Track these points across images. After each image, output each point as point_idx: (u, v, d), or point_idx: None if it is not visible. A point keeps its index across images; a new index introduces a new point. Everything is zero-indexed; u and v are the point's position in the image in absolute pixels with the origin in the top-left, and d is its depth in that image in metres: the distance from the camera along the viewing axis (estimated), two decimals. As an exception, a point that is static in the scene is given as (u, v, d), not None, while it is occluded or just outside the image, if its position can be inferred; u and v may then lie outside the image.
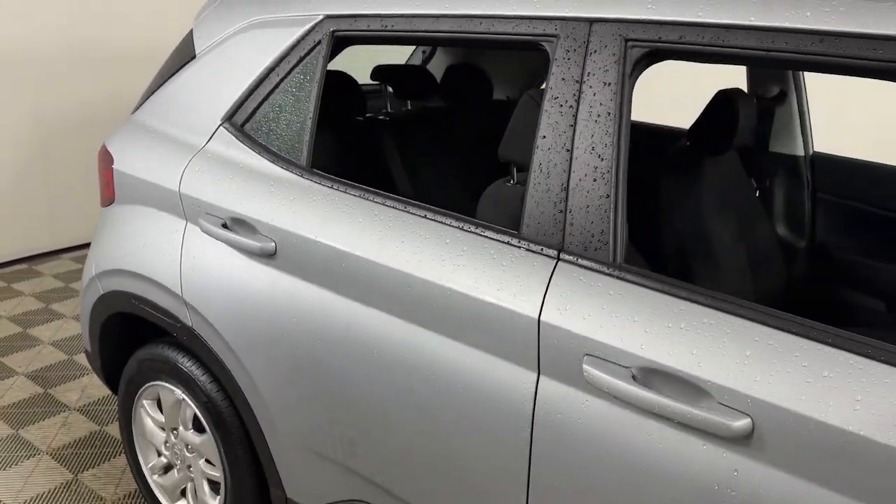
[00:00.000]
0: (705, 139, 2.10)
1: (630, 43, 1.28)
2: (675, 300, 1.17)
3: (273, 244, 1.64)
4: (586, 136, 1.30)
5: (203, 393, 1.90)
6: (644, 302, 1.19)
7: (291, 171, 1.70)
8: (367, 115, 2.41)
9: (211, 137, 1.86)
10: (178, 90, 2.00)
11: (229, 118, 1.84)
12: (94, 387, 3.04)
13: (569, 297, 1.26)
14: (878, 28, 1.07)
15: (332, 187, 1.63)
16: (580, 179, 1.30)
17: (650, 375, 1.16)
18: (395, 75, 2.45)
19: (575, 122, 1.32)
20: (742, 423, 1.06)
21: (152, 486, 2.21)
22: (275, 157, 1.73)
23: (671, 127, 2.60)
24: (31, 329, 3.53)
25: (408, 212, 1.51)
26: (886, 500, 0.97)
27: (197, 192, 1.81)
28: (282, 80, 1.75)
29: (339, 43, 1.72)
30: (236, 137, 1.81)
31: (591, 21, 1.32)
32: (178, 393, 1.99)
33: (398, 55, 3.20)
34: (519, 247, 1.35)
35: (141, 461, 2.21)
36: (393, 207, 1.53)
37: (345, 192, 1.60)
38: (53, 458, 2.57)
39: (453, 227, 1.44)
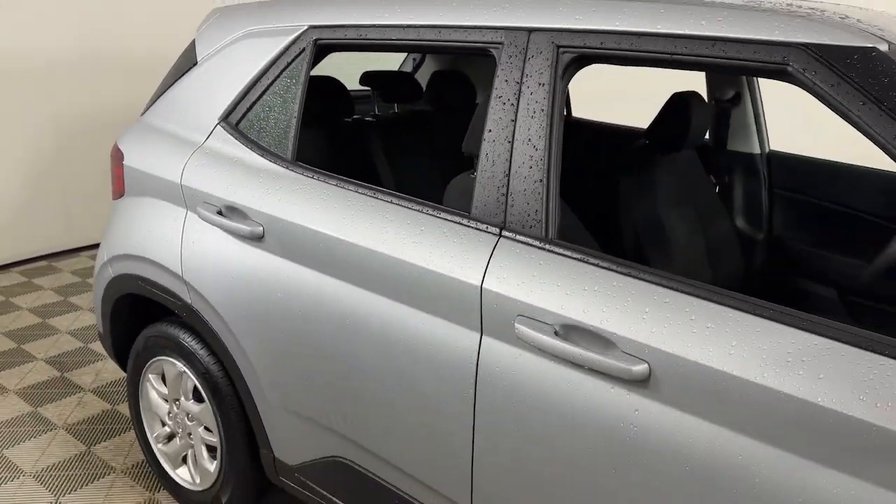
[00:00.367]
0: (661, 138, 2.29)
1: (561, 49, 1.48)
2: (591, 268, 1.37)
3: (261, 228, 1.86)
4: (524, 129, 1.50)
5: (202, 364, 2.11)
6: (566, 270, 1.39)
7: (278, 164, 1.91)
8: (355, 116, 2.62)
9: (209, 135, 2.08)
10: (181, 93, 2.22)
11: (226, 117, 2.06)
12: (107, 371, 3.27)
13: (506, 267, 1.46)
14: (758, 34, 1.27)
15: (312, 177, 1.84)
16: (519, 167, 1.50)
17: (569, 331, 1.35)
18: (382, 81, 2.66)
19: (515, 118, 1.52)
20: (640, 368, 1.25)
21: (157, 454, 2.42)
22: (264, 151, 1.95)
23: (632, 127, 2.79)
24: (50, 319, 3.78)
25: (376, 198, 1.71)
26: (753, 428, 1.16)
27: (196, 184, 2.03)
28: (271, 83, 1.97)
29: (322, 50, 1.94)
30: (231, 135, 2.03)
31: (530, 31, 1.53)
32: (180, 366, 2.20)
33: (393, 64, 3.42)
34: (468, 226, 1.56)
35: (147, 431, 2.43)
36: (363, 194, 1.74)
37: (323, 182, 1.82)
38: (68, 432, 2.79)
39: (414, 210, 1.64)
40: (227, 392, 2.08)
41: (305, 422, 1.89)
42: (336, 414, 1.80)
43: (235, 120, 2.04)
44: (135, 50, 4.82)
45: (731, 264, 2.49)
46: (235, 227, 1.90)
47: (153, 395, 2.36)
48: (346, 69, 2.97)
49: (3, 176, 4.40)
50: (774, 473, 1.14)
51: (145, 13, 4.81)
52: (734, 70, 1.30)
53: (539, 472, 1.43)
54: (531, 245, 1.46)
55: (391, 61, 3.40)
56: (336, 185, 1.79)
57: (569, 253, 1.41)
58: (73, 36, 4.53)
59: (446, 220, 1.59)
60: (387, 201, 1.69)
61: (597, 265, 1.37)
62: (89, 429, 2.82)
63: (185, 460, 2.38)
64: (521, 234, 1.48)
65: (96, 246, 4.85)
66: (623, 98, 3.78)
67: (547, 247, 1.44)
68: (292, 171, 1.88)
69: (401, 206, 1.67)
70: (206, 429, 2.23)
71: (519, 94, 1.52)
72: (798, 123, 3.46)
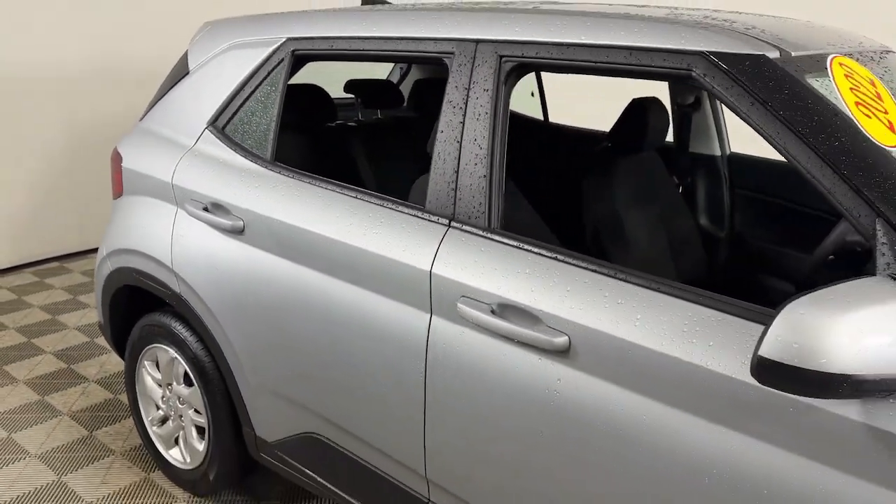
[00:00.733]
0: (621, 141, 2.45)
1: (504, 58, 1.65)
2: (525, 253, 1.53)
3: (242, 222, 2.03)
4: (471, 130, 1.67)
5: (191, 350, 2.29)
6: (503, 256, 1.55)
7: (258, 164, 2.09)
8: (339, 121, 2.80)
9: (199, 138, 2.26)
10: (174, 100, 2.41)
11: (213, 122, 2.24)
12: (110, 363, 3.46)
13: (452, 254, 1.62)
14: (666, 44, 1.43)
15: (288, 176, 2.01)
16: (466, 164, 1.67)
17: (504, 309, 1.51)
18: (365, 89, 2.84)
19: (464, 120, 1.69)
20: (561, 340, 1.41)
21: (152, 436, 2.60)
22: (246, 152, 2.13)
23: (596, 130, 2.95)
24: (60, 316, 3.98)
25: (343, 193, 1.88)
26: (655, 391, 1.31)
27: (186, 183, 2.21)
28: (253, 90, 2.15)
29: (299, 60, 2.11)
30: (218, 138, 2.21)
31: (477, 42, 1.70)
32: (172, 352, 2.38)
33: (381, 73, 3.60)
34: (423, 218, 1.72)
35: (143, 415, 2.61)
36: (332, 190, 1.91)
37: (298, 180, 1.99)
38: (72, 418, 2.98)
39: (376, 204, 1.81)
40: (214, 375, 2.25)
41: (282, 400, 2.06)
42: (308, 392, 1.97)
43: (222, 124, 2.22)
44: (143, 62, 5.04)
45: (694, 261, 2.64)
46: (219, 221, 2.08)
47: (148, 380, 2.54)
48: (338, 76, 3.15)
49: (19, 182, 4.63)
50: (673, 431, 1.29)
51: (153, 28, 5.04)
52: (648, 76, 1.46)
53: (480, 438, 1.59)
54: (475, 234, 1.62)
55: (380, 71, 3.58)
56: (309, 182, 1.97)
57: (506, 241, 1.57)
58: (85, 49, 4.76)
59: (403, 212, 1.75)
60: (353, 197, 1.86)
61: (529, 251, 1.53)
62: (92, 415, 3.00)
63: (177, 441, 2.55)
64: (467, 224, 1.65)
65: (105, 248, 5.05)
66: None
67: (488, 235, 1.60)
68: (271, 170, 2.05)
69: (364, 200, 1.84)
70: (196, 411, 2.40)
71: (467, 99, 1.69)
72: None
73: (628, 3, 2.46)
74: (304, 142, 2.65)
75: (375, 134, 2.82)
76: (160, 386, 2.52)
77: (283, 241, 1.94)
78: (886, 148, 1.24)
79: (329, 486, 2.03)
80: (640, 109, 2.40)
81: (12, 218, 4.65)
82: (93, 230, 5.01)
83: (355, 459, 1.93)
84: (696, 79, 1.39)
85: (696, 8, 1.79)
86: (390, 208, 1.78)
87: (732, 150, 2.77)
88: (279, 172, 2.03)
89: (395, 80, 3.49)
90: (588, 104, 3.16)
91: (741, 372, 1.22)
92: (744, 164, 2.75)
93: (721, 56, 1.37)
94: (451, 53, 1.74)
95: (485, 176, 1.63)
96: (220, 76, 2.26)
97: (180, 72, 2.43)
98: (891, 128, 1.28)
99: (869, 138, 1.24)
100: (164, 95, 2.47)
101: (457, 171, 1.68)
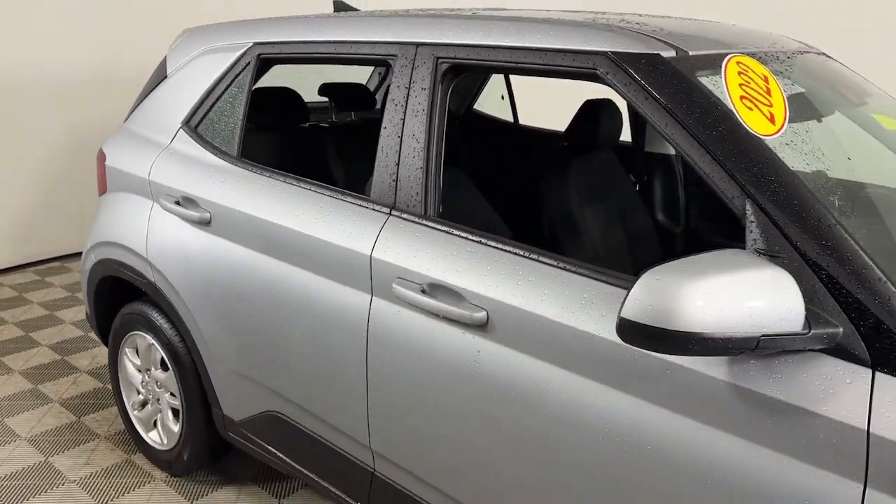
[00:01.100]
0: (575, 141, 2.58)
1: (440, 60, 1.79)
2: (451, 237, 1.67)
3: (208, 214, 2.18)
4: (410, 126, 1.81)
5: (165, 336, 2.43)
6: (434, 240, 1.69)
7: (225, 160, 2.24)
8: (311, 122, 2.95)
9: (174, 137, 2.42)
10: (154, 102, 2.57)
11: (187, 122, 2.40)
12: (102, 356, 3.62)
13: (390, 239, 1.76)
14: (573, 45, 1.56)
15: (251, 171, 2.16)
16: (405, 157, 1.81)
17: (433, 288, 1.65)
18: (337, 91, 2.99)
19: (404, 117, 1.83)
20: (480, 315, 1.54)
21: (133, 420, 2.75)
22: (215, 150, 2.28)
23: (555, 130, 3.08)
24: (57, 312, 4.15)
25: (299, 186, 2.03)
26: (560, 358, 1.44)
27: (161, 179, 2.37)
28: (223, 92, 2.31)
29: (264, 64, 2.27)
30: (191, 137, 2.36)
31: (417, 45, 1.84)
32: (149, 339, 2.53)
33: (362, 76, 3.75)
34: (367, 207, 1.86)
35: (125, 400, 2.76)
36: (289, 184, 2.05)
37: (259, 174, 2.14)
38: (63, 405, 3.13)
39: (327, 195, 1.96)
40: (186, 359, 2.40)
41: (246, 381, 2.20)
42: (268, 372, 2.11)
43: (195, 124, 2.37)
44: (142, 67, 5.23)
45: (650, 254, 2.76)
46: (188, 213, 2.23)
47: (129, 366, 2.69)
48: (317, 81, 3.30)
49: (22, 184, 4.83)
50: (577, 394, 1.42)
51: (152, 34, 5.23)
52: (561, 75, 1.60)
53: (415, 411, 1.72)
54: (411, 221, 1.76)
55: (362, 75, 3.73)
56: (269, 176, 2.11)
57: (437, 227, 1.71)
58: (86, 53, 4.97)
59: (350, 202, 1.90)
60: (307, 189, 2.01)
61: (458, 236, 1.67)
62: (81, 403, 3.16)
63: (155, 424, 2.70)
64: (405, 212, 1.79)
65: (105, 248, 5.23)
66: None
67: (423, 222, 1.74)
68: (237, 166, 2.20)
69: (317, 192, 1.98)
70: (172, 394, 2.54)
71: (407, 98, 1.83)
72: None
73: (583, 7, 2.60)
74: (278, 141, 2.80)
75: (347, 134, 2.96)
76: (140, 371, 2.67)
77: (243, 231, 2.09)
78: (761, 137, 1.37)
79: (289, 461, 2.16)
80: (593, 110, 2.53)
81: (13, 218, 4.84)
82: (92, 231, 5.19)
83: (311, 435, 2.06)
84: (600, 77, 1.52)
85: (621, 13, 1.93)
86: (339, 199, 1.92)
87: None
88: (243, 168, 2.18)
89: (374, 84, 3.64)
90: (556, 106, 3.28)
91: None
92: (698, 163, 2.86)
93: (621, 55, 1.51)
94: (395, 56, 1.88)
95: (422, 168, 1.77)
96: (194, 79, 2.42)
97: (159, 75, 2.59)
98: (771, 119, 1.41)
99: (745, 128, 1.37)
100: (145, 98, 2.63)
101: (397, 164, 1.82)
